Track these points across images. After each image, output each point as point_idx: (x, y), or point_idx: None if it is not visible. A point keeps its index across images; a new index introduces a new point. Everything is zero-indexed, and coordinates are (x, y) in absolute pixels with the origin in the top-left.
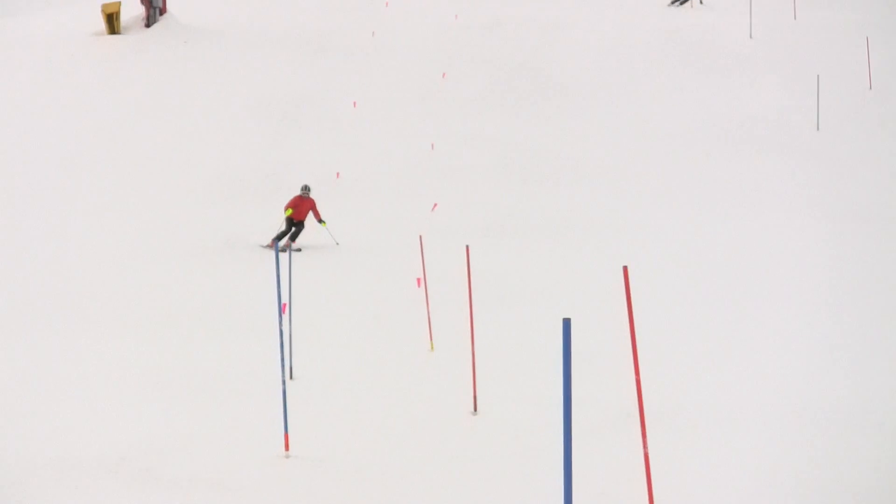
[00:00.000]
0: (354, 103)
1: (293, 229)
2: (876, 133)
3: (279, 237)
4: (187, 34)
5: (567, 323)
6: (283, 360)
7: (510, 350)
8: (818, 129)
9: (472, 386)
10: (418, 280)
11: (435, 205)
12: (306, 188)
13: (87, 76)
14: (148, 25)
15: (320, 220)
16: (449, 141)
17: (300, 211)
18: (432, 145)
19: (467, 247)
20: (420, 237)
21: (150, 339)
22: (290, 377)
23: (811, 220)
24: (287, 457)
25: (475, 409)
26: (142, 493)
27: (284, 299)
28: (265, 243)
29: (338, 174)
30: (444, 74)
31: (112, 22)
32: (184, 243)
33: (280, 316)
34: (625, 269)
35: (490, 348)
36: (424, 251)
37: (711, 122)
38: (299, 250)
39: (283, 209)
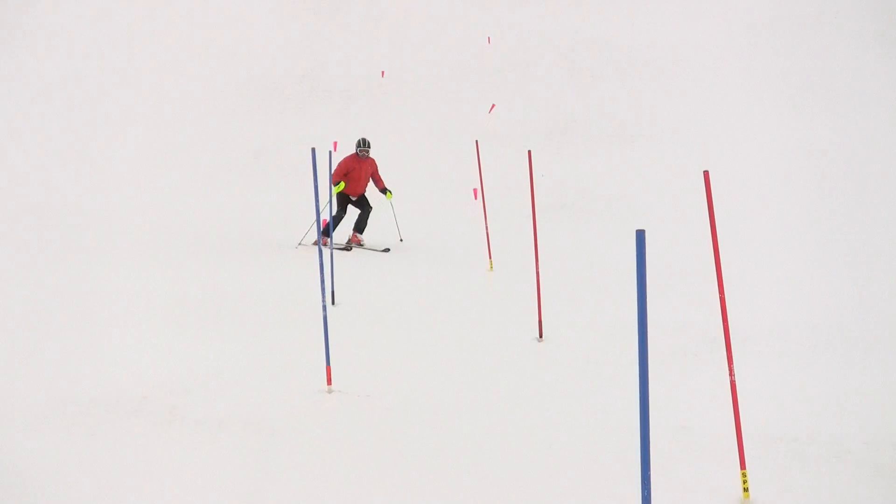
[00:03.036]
0: None
1: (348, 210)
2: None
3: (333, 225)
4: None
5: (641, 235)
6: (323, 283)
7: (578, 268)
8: None
9: (538, 310)
10: (475, 191)
11: (493, 106)
12: (365, 145)
13: None
14: None
15: (384, 190)
16: (507, 34)
17: (357, 181)
18: (489, 39)
19: (529, 152)
20: (476, 142)
21: (175, 264)
22: (333, 303)
23: None
24: (329, 391)
25: (540, 336)
26: (167, 436)
27: (324, 216)
28: (308, 241)
29: (383, 73)
30: None
31: None
32: (211, 158)
33: (319, 234)
34: (706, 174)
35: (556, 267)
36: (481, 158)
37: (798, 9)
38: (359, 245)
39: (334, 175)
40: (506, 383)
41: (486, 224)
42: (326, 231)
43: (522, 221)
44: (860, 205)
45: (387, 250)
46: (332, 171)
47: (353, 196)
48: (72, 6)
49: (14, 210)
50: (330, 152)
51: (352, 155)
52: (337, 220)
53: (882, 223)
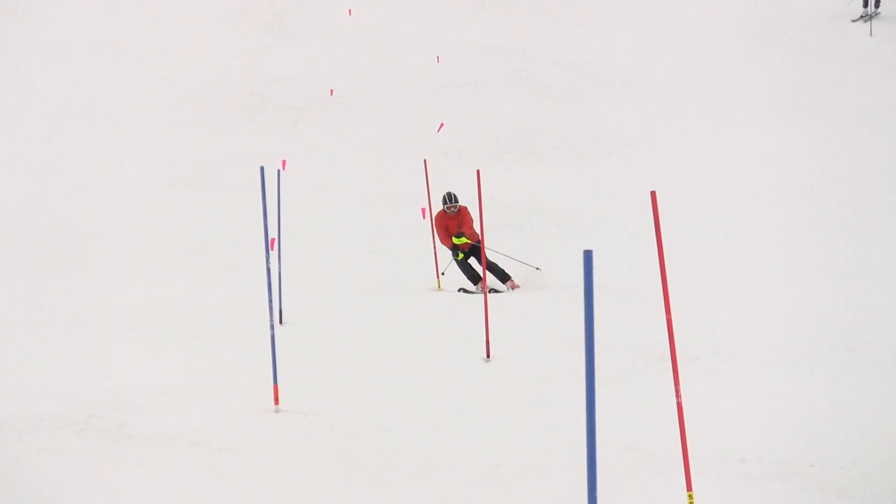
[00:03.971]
0: (349, 11)
1: (464, 261)
2: None
3: (474, 279)
4: None
5: (589, 255)
6: (270, 301)
7: (526, 287)
8: (871, 34)
9: (485, 329)
10: (423, 210)
11: (441, 125)
12: (451, 200)
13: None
14: None
15: (458, 234)
16: (456, 52)
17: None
18: (437, 57)
19: (478, 171)
20: (425, 161)
21: (124, 279)
22: (280, 322)
23: (866, 129)
24: (277, 411)
25: (488, 356)
26: (114, 454)
27: (273, 234)
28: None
29: (332, 91)
30: None
31: None
32: (156, 170)
33: (268, 252)
34: (653, 194)
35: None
36: (430, 176)
37: (755, 22)
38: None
39: (443, 243)
40: (453, 401)
41: (434, 244)
42: (475, 280)
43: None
44: (809, 218)
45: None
46: (438, 236)
47: (464, 248)
48: (21, 16)
49: None
50: (279, 171)
51: (440, 212)
52: (470, 274)
53: (830, 237)
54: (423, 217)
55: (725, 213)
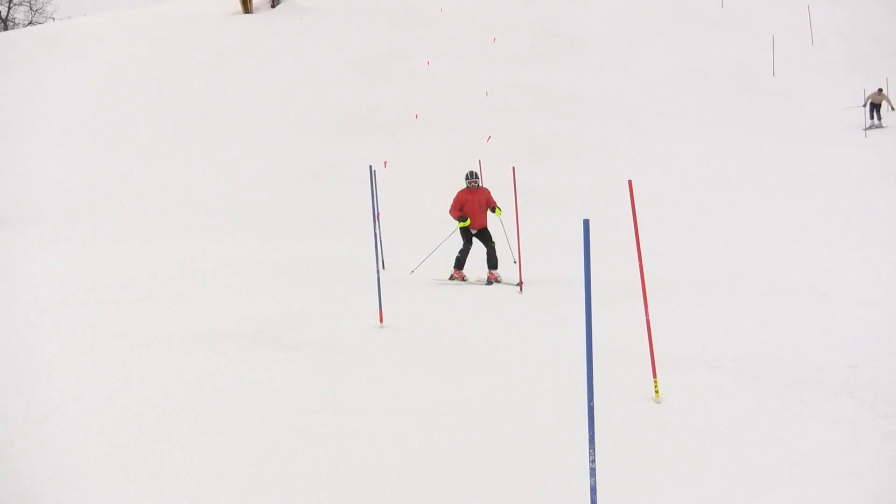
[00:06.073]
0: (428, 62)
1: (473, 242)
2: (817, 77)
3: (461, 260)
4: (302, 12)
5: (586, 223)
6: (376, 254)
7: (546, 242)
8: (774, 74)
9: (519, 271)
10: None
11: (489, 137)
12: (473, 176)
13: (227, 44)
14: (273, 6)
15: (493, 208)
16: (499, 88)
17: (473, 213)
18: (486, 92)
19: (513, 167)
20: (479, 161)
21: (274, 238)
22: (383, 268)
23: (772, 141)
24: (381, 327)
25: (521, 289)
26: (272, 357)
27: (378, 211)
28: (450, 276)
29: (416, 115)
30: (494, 39)
31: (246, 3)
32: (299, 167)
33: (375, 222)
34: (629, 182)
35: (531, 241)
36: (482, 171)
37: (696, 70)
38: (497, 282)
39: (450, 213)
40: (498, 319)
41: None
42: (459, 264)
43: (509, 211)
44: (741, 196)
45: (489, 283)
46: (450, 207)
47: (474, 229)
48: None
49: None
50: (373, 169)
51: (464, 188)
52: (464, 252)
53: (757, 206)
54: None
55: (677, 191)
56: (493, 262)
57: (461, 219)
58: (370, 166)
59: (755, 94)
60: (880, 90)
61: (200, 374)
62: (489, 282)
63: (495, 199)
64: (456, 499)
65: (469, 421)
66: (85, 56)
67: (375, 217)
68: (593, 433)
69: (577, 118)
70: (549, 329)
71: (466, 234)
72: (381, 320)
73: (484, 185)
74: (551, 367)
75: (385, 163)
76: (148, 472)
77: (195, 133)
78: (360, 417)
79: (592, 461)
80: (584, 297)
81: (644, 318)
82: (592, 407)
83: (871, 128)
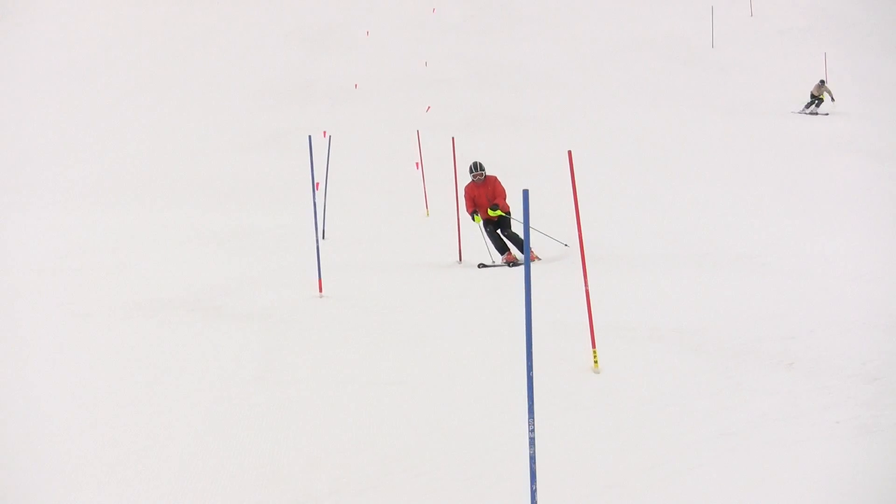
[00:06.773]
0: (367, 32)
1: (493, 230)
2: (756, 49)
3: (502, 246)
4: None
5: (526, 193)
6: (315, 224)
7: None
8: (713, 46)
9: (458, 242)
10: (416, 164)
11: (428, 107)
12: (476, 168)
13: (168, 12)
14: None
15: (494, 206)
16: (439, 59)
17: (483, 207)
18: (426, 63)
19: (453, 138)
20: (417, 132)
21: (215, 207)
22: (323, 237)
23: (710, 113)
24: (321, 297)
25: (460, 259)
26: (213, 326)
27: (318, 180)
28: (482, 263)
29: (356, 85)
30: (433, 10)
31: None
32: (240, 138)
33: (314, 192)
34: (569, 152)
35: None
36: (421, 142)
37: (634, 41)
38: (516, 263)
39: (466, 212)
40: (436, 289)
41: (423, 185)
42: (501, 250)
43: (448, 183)
44: (680, 167)
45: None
46: (465, 205)
47: (490, 224)
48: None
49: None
50: (317, 138)
51: (470, 183)
52: (498, 245)
53: (696, 177)
54: (416, 168)
55: (616, 162)
56: (515, 244)
57: (474, 216)
58: (309, 136)
59: (694, 65)
60: (822, 82)
61: (140, 343)
62: (510, 264)
63: (504, 185)
64: (395, 468)
65: (408, 390)
66: (25, 24)
67: (314, 187)
68: (532, 403)
69: (517, 89)
70: (490, 299)
71: (488, 228)
72: (321, 290)
73: (491, 174)
74: (492, 338)
75: (325, 133)
76: (86, 443)
77: (136, 103)
78: (299, 387)
79: (532, 431)
80: (524, 267)
81: (584, 288)
82: (532, 377)
83: (808, 113)
